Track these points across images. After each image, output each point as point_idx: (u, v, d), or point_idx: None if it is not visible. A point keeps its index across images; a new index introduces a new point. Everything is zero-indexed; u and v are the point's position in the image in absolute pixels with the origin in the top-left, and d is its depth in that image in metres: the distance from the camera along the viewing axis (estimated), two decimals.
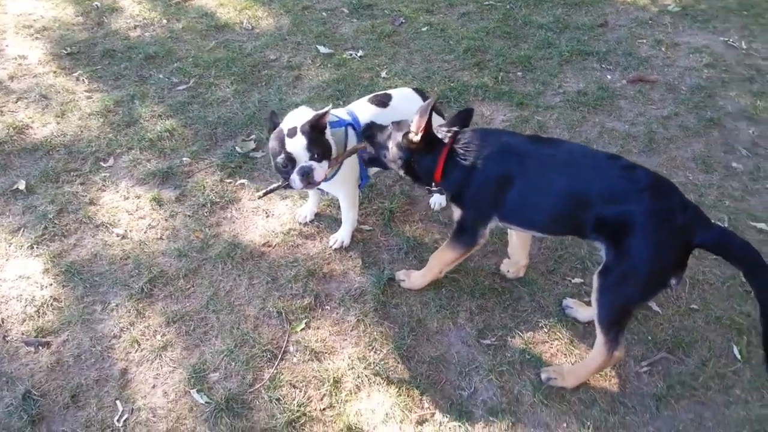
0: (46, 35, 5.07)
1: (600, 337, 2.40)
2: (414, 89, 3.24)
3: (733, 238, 2.32)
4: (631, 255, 2.27)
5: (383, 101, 3.09)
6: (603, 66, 4.70)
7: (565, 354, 2.70)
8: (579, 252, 3.16)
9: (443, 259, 2.81)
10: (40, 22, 5.23)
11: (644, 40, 5.04)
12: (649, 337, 2.76)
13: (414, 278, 2.94)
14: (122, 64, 4.71)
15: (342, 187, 3.05)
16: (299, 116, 2.77)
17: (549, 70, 4.63)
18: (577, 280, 3.02)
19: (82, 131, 4.01)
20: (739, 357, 2.67)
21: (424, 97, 3.15)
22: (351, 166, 2.98)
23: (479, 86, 4.39)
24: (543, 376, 2.59)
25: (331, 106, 2.77)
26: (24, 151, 3.84)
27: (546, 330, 2.80)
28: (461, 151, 2.56)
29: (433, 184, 2.67)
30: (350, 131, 2.94)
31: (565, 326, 2.81)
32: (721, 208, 3.41)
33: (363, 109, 3.06)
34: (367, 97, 3.15)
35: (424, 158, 2.62)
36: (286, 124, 2.75)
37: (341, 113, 3.02)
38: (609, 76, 4.59)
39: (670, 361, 2.67)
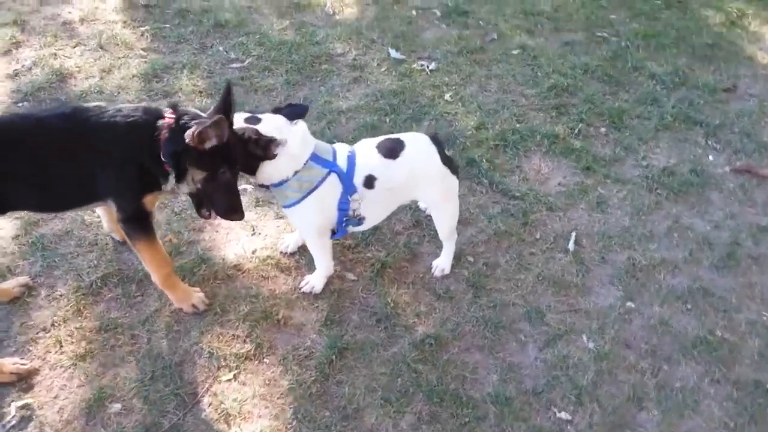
0: None
1: None
2: (431, 137, 2.64)
3: None
4: None
5: (394, 149, 2.55)
6: (708, 142, 3.90)
7: None
8: (580, 380, 2.57)
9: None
10: None
11: None
12: None
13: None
14: (189, 28, 4.52)
15: (301, 229, 2.71)
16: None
17: (640, 133, 3.90)
18: (564, 415, 2.46)
19: (119, 92, 3.87)
20: None
21: (441, 148, 2.63)
22: (312, 207, 2.50)
23: (547, 135, 3.77)
24: None
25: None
26: (57, 102, 3.75)
27: None
28: None
29: None
30: (332, 178, 2.47)
31: None
32: None
33: (367, 156, 2.55)
34: (377, 140, 2.62)
35: None
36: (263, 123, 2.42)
37: (342, 152, 2.55)
38: (711, 157, 3.80)
39: None
